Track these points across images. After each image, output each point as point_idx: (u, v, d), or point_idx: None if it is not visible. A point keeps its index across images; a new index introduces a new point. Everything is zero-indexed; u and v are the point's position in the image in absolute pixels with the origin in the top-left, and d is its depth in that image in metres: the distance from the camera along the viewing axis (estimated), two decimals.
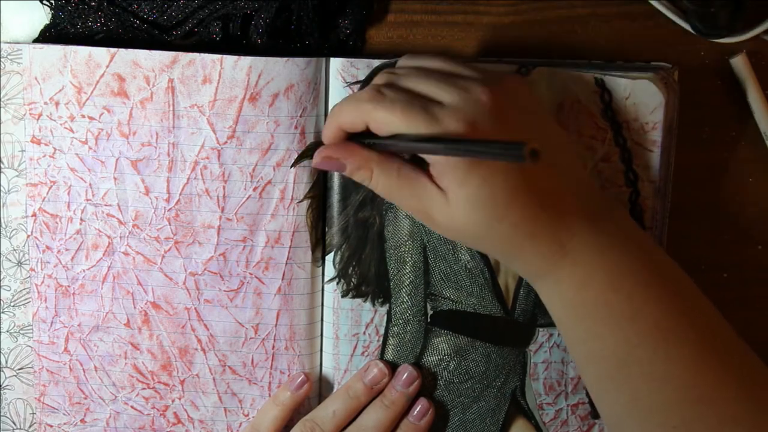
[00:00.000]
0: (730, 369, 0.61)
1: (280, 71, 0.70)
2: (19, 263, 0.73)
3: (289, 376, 0.74)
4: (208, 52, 0.70)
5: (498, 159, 0.56)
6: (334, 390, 0.74)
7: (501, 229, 0.60)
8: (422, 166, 0.61)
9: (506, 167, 0.59)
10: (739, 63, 0.74)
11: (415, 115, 0.59)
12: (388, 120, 0.60)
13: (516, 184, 0.59)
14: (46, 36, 0.73)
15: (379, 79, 0.64)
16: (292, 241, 0.72)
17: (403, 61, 0.67)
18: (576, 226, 0.61)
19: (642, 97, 0.70)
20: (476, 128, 0.58)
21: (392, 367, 0.73)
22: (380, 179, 0.62)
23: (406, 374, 0.73)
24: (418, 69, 0.64)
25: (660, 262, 0.63)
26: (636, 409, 0.61)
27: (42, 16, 0.73)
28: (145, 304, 0.73)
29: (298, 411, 0.74)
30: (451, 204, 0.60)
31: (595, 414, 0.74)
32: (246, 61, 0.69)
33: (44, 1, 0.73)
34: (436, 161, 0.60)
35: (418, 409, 0.73)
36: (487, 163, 0.58)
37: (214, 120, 0.70)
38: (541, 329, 0.74)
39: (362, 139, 0.63)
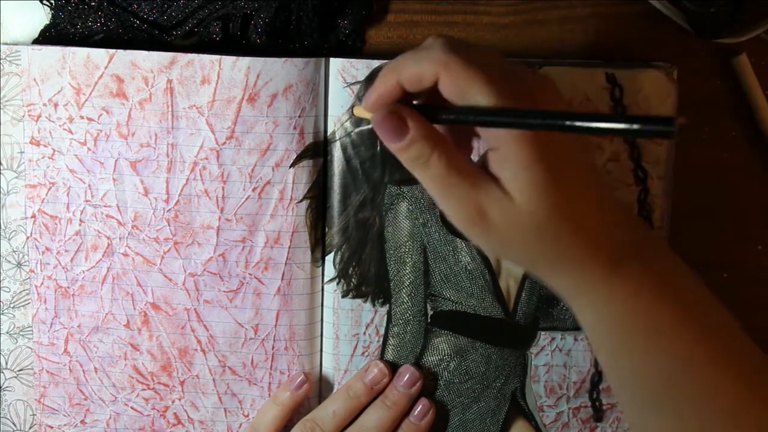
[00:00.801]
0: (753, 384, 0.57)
1: (279, 71, 0.69)
2: (19, 264, 0.73)
3: (288, 376, 0.73)
4: (208, 52, 0.70)
5: (641, 134, 0.46)
6: (334, 390, 0.74)
7: (560, 226, 0.53)
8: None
9: (572, 160, 0.53)
10: (739, 63, 0.74)
11: (493, 79, 0.51)
12: (465, 76, 0.51)
13: (576, 181, 0.53)
14: (46, 36, 0.73)
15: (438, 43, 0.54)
16: (291, 241, 0.72)
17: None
18: (625, 241, 0.55)
19: (654, 90, 0.70)
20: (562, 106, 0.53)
21: (392, 367, 0.73)
22: (439, 160, 0.53)
23: (408, 375, 0.72)
24: (483, 46, 0.56)
25: (695, 284, 0.58)
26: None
27: (42, 17, 0.73)
28: (145, 305, 0.73)
29: (298, 411, 0.73)
30: (515, 195, 0.52)
31: (597, 417, 0.74)
32: (244, 61, 0.69)
33: (44, 1, 0.72)
34: (497, 146, 0.52)
35: (419, 409, 0.73)
36: (555, 153, 0.52)
37: (213, 120, 0.70)
38: (542, 333, 0.73)
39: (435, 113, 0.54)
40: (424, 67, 0.52)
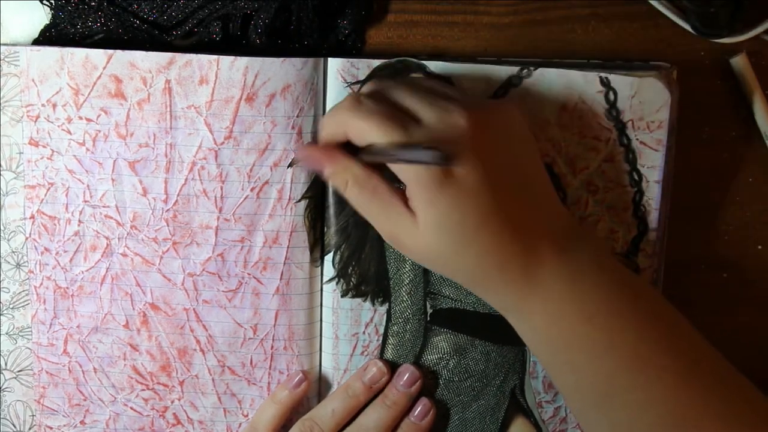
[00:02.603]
0: (714, 390, 0.59)
1: (277, 71, 0.69)
2: (18, 265, 0.72)
3: (288, 376, 0.73)
4: (208, 52, 0.69)
5: (416, 161, 0.56)
6: (333, 389, 0.73)
7: (469, 257, 0.59)
8: (401, 192, 0.60)
9: (477, 192, 0.57)
10: (739, 63, 0.73)
11: (389, 127, 0.58)
12: (363, 129, 0.59)
13: (487, 210, 0.58)
14: (46, 36, 0.72)
15: (364, 89, 0.64)
16: (290, 241, 0.71)
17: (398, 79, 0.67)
18: (546, 257, 0.59)
19: (648, 95, 0.69)
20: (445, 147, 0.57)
21: (391, 366, 0.72)
22: (354, 190, 0.61)
23: (408, 374, 0.72)
24: (405, 83, 0.63)
25: (635, 288, 0.62)
26: None
27: (42, 17, 0.72)
28: (144, 305, 0.72)
29: (297, 410, 0.73)
30: (419, 227, 0.59)
31: None
32: (242, 61, 0.69)
33: (44, 1, 0.72)
34: (409, 180, 0.59)
35: (419, 409, 0.72)
36: (458, 186, 0.57)
37: (211, 120, 0.69)
38: None
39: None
40: (334, 128, 0.62)
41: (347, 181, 0.61)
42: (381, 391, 0.72)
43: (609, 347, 0.58)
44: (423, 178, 0.57)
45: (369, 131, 0.59)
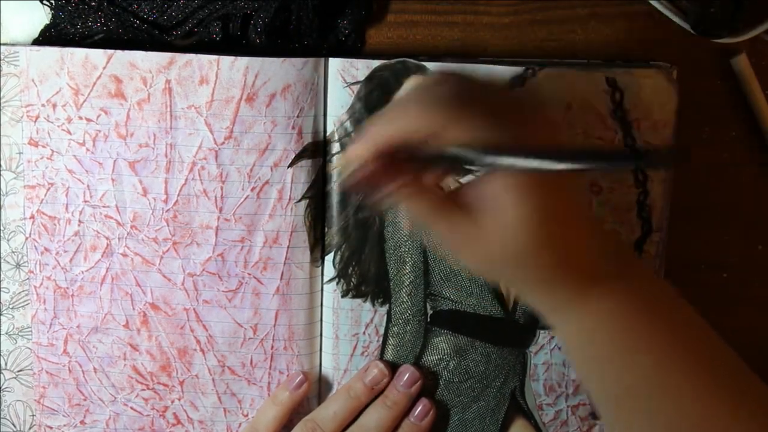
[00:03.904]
0: (744, 403, 0.58)
1: (277, 71, 0.68)
2: (18, 265, 0.72)
3: (288, 376, 0.72)
4: (208, 52, 0.69)
5: (631, 167, 0.50)
6: (334, 390, 0.73)
7: (529, 262, 0.55)
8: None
9: (546, 197, 0.53)
10: (739, 63, 0.73)
11: (491, 125, 0.51)
12: (470, 127, 0.51)
13: (549, 214, 0.54)
14: (46, 36, 0.72)
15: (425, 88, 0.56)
16: (290, 241, 0.71)
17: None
18: (599, 267, 0.56)
19: (655, 93, 0.69)
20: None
21: (392, 367, 0.72)
22: (413, 208, 0.55)
23: (408, 374, 0.71)
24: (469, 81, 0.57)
25: (678, 301, 0.60)
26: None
27: (42, 17, 0.72)
28: (144, 305, 0.72)
29: (297, 411, 0.72)
30: (483, 230, 0.53)
31: (596, 415, 0.73)
32: (243, 61, 0.68)
33: (44, 1, 0.71)
34: (474, 183, 0.54)
35: (419, 409, 0.72)
36: (541, 190, 0.53)
37: (212, 121, 0.69)
38: (542, 331, 0.72)
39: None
40: (422, 123, 0.52)
41: (405, 199, 0.54)
42: (382, 392, 0.71)
43: (657, 356, 0.57)
44: (501, 178, 0.52)
45: (474, 131, 0.51)
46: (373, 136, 0.54)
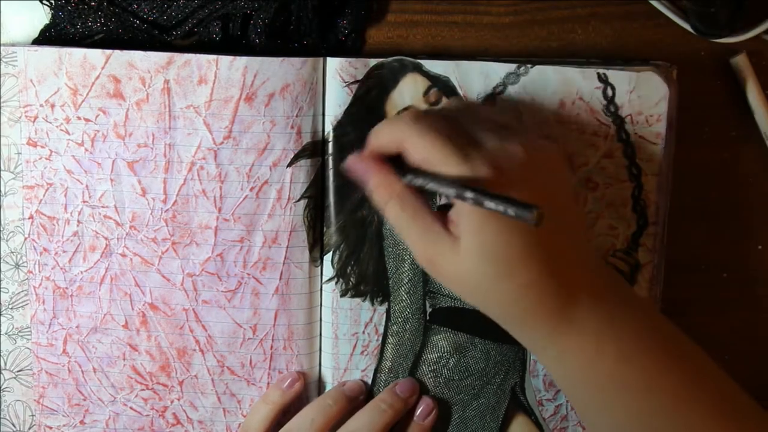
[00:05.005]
0: (745, 427, 0.58)
1: (276, 71, 0.68)
2: (17, 265, 0.72)
3: (280, 375, 0.72)
4: (208, 52, 0.68)
5: (507, 215, 0.52)
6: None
7: (508, 289, 0.56)
8: (442, 215, 0.58)
9: (523, 224, 0.55)
10: (739, 63, 0.72)
11: (448, 148, 0.55)
12: (422, 146, 0.56)
13: (533, 242, 0.55)
14: (46, 36, 0.71)
15: (428, 109, 0.62)
16: (289, 240, 0.70)
17: (454, 101, 0.66)
18: (583, 295, 0.57)
19: (646, 89, 0.69)
20: (503, 180, 0.55)
21: (389, 376, 0.72)
22: (396, 208, 0.58)
23: (407, 381, 0.71)
24: (465, 107, 0.62)
25: (665, 328, 0.60)
26: None
27: (42, 17, 0.71)
28: (143, 305, 0.71)
29: (290, 410, 0.71)
30: (461, 253, 0.56)
31: None
32: (241, 61, 0.68)
33: (44, 1, 0.71)
34: (458, 205, 0.56)
35: (422, 408, 0.72)
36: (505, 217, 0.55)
37: (210, 120, 0.69)
38: None
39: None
40: (390, 137, 0.59)
41: (390, 196, 0.58)
42: (361, 405, 0.71)
43: (647, 389, 0.57)
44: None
45: (428, 149, 0.56)
46: (367, 147, 0.61)
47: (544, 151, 0.59)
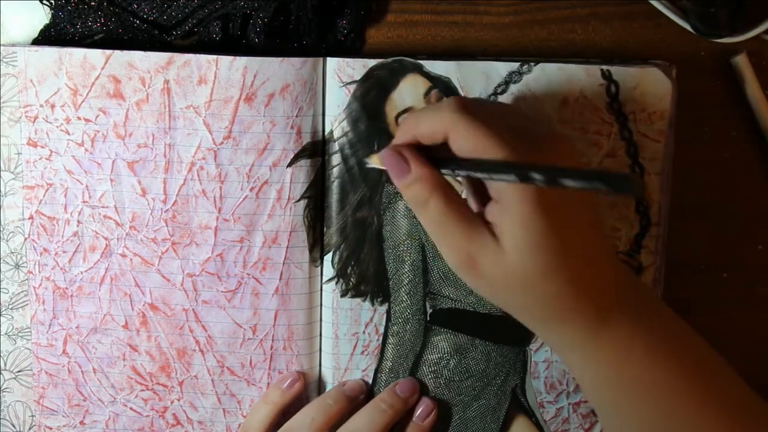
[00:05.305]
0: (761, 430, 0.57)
1: (276, 71, 0.68)
2: (17, 266, 0.71)
3: (280, 374, 0.72)
4: (208, 52, 0.68)
5: (595, 189, 0.47)
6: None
7: (555, 283, 0.54)
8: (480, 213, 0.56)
9: (570, 220, 0.54)
10: (739, 63, 0.72)
11: (498, 136, 0.53)
12: (472, 134, 0.53)
13: (574, 238, 0.54)
14: (46, 36, 0.71)
15: (460, 99, 0.58)
16: (289, 241, 0.70)
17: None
18: (615, 297, 0.56)
19: (650, 86, 0.69)
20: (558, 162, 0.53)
21: (389, 375, 0.72)
22: (439, 203, 0.55)
23: (407, 381, 0.71)
24: (500, 103, 0.60)
25: (685, 331, 0.59)
26: None
27: (42, 17, 0.71)
28: (143, 305, 0.71)
29: (290, 410, 0.71)
30: (506, 249, 0.53)
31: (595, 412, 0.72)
32: (241, 61, 0.68)
33: (44, 1, 0.71)
34: (499, 199, 0.54)
35: (422, 409, 0.71)
36: (555, 211, 0.53)
37: (210, 121, 0.68)
38: None
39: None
40: (435, 126, 0.55)
41: (431, 191, 0.55)
42: (362, 405, 0.71)
43: (673, 391, 0.56)
44: (523, 193, 0.53)
45: (479, 140, 0.53)
46: (398, 138, 0.58)
47: (570, 142, 0.58)
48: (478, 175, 0.53)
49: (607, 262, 0.57)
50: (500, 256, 0.54)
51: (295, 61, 0.68)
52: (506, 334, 0.71)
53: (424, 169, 0.56)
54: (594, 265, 0.55)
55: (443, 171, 0.56)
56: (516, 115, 0.59)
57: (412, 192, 0.56)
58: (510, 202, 0.53)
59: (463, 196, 0.65)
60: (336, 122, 0.69)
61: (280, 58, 0.68)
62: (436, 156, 0.56)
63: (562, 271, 0.53)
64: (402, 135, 0.58)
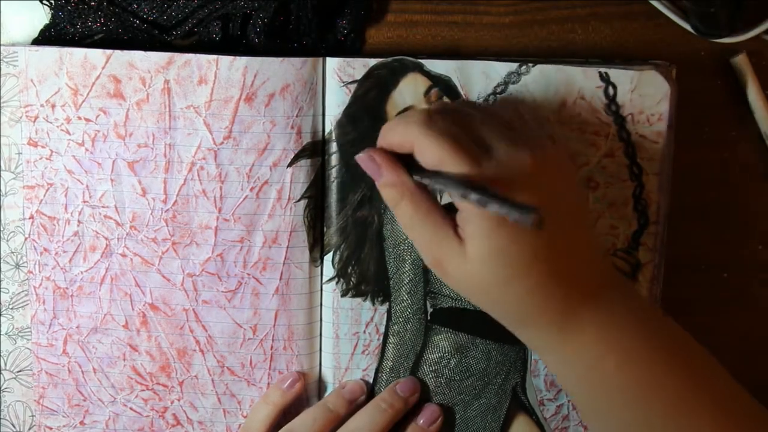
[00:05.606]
0: (748, 429, 0.58)
1: (276, 71, 0.68)
2: (17, 266, 0.71)
3: (281, 376, 0.72)
4: (208, 52, 0.68)
5: (507, 216, 0.51)
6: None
7: (516, 291, 0.56)
8: (451, 216, 0.58)
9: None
10: (739, 63, 0.72)
11: (458, 152, 0.55)
12: (434, 148, 0.56)
13: (538, 245, 0.55)
14: (46, 36, 0.71)
15: (435, 107, 0.62)
16: (289, 241, 0.70)
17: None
18: (589, 298, 0.57)
19: (648, 88, 0.68)
20: (511, 184, 0.55)
21: (390, 374, 0.72)
22: (407, 207, 0.58)
23: (408, 380, 0.71)
24: (478, 109, 0.61)
25: (669, 330, 0.60)
26: None
27: (42, 17, 0.71)
28: (143, 305, 0.71)
29: (290, 410, 0.71)
30: (468, 256, 0.56)
31: None
32: (242, 61, 0.67)
33: (44, 1, 0.71)
34: (466, 208, 0.56)
35: (428, 415, 0.71)
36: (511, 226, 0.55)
37: (211, 120, 0.68)
38: None
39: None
40: (402, 138, 0.58)
41: (402, 195, 0.58)
42: (361, 406, 0.71)
43: (651, 391, 0.57)
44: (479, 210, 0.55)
45: (440, 155, 0.56)
46: (379, 143, 0.61)
47: (550, 151, 0.59)
48: (437, 186, 0.57)
49: (580, 263, 0.58)
50: (463, 262, 0.56)
51: (295, 61, 0.68)
52: (507, 333, 0.70)
53: (394, 174, 0.58)
54: (563, 269, 0.57)
55: (416, 177, 0.58)
56: (499, 120, 0.60)
57: (386, 194, 0.59)
58: (472, 211, 0.55)
59: None
60: (336, 122, 0.69)
61: (280, 58, 0.68)
62: (413, 162, 0.59)
63: (524, 280, 0.56)
64: (380, 140, 0.61)
